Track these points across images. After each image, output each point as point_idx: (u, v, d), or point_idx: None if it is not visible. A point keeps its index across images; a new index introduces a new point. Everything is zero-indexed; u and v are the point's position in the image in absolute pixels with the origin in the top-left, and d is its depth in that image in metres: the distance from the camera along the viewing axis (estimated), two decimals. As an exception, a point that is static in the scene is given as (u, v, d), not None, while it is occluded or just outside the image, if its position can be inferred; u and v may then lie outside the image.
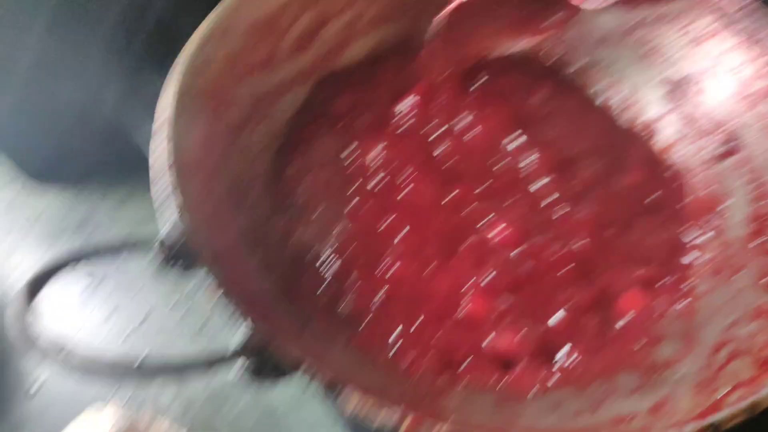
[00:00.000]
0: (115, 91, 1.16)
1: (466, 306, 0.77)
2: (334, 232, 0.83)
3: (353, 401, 0.53)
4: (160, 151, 0.69)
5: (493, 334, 0.75)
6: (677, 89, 0.92)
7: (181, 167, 0.69)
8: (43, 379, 1.04)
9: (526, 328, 0.75)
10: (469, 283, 0.78)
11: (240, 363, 0.53)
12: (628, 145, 0.95)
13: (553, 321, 0.77)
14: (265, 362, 0.53)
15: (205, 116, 0.78)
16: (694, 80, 0.91)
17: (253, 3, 0.86)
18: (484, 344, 0.74)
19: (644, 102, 0.96)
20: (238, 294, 0.61)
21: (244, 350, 0.52)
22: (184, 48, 0.78)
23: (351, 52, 0.99)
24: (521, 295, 0.78)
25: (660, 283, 0.81)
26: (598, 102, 0.99)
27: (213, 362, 0.50)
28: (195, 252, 0.61)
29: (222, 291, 0.58)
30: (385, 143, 0.92)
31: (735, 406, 0.58)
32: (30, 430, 0.99)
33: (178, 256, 0.61)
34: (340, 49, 0.98)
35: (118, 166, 1.27)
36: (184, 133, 0.73)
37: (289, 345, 0.54)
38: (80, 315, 1.09)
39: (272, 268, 0.77)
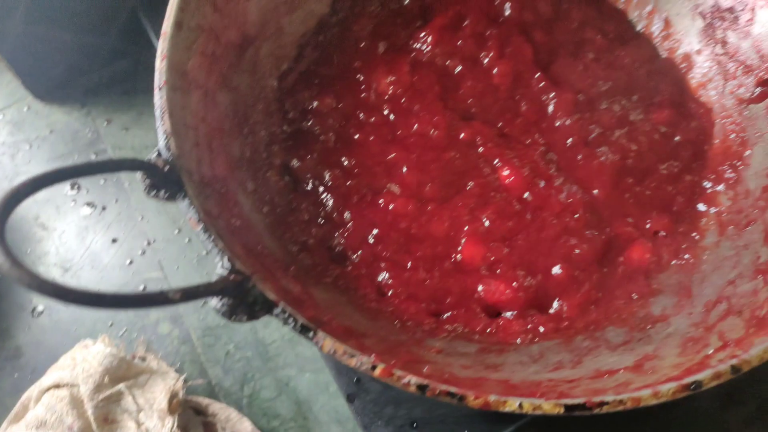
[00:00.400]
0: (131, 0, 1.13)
1: (460, 251, 0.76)
2: (335, 165, 0.82)
3: (327, 345, 0.54)
4: (157, 68, 0.68)
5: (486, 283, 0.74)
6: (722, 19, 0.84)
7: (177, 85, 0.68)
8: (43, 306, 1.11)
9: (519, 280, 0.74)
10: (466, 228, 0.77)
11: (214, 302, 0.54)
12: (661, 79, 0.89)
13: (549, 273, 0.75)
14: (239, 302, 0.53)
15: (211, 28, 0.75)
16: (741, 10, 0.82)
17: None
18: (475, 293, 0.74)
19: (684, 32, 0.89)
20: (221, 228, 0.61)
21: (218, 289, 0.53)
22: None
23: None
24: (519, 244, 0.76)
25: (671, 233, 0.79)
26: (638, 29, 0.92)
27: (187, 297, 0.51)
28: (179, 181, 0.61)
29: (202, 225, 0.58)
30: (402, 73, 0.87)
31: (719, 366, 0.57)
32: (30, 356, 1.06)
33: (162, 184, 0.60)
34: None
35: (125, 90, 1.28)
36: (185, 46, 0.71)
37: (266, 285, 0.55)
38: (83, 242, 1.14)
39: (266, 199, 0.77)
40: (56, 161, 1.21)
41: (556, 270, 0.75)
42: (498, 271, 0.75)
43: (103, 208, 1.18)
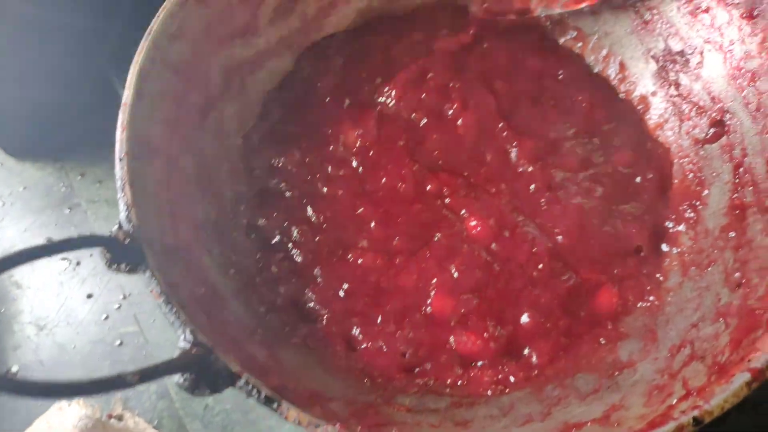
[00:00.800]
0: (101, 59, 1.13)
1: (430, 303, 0.76)
2: (302, 221, 0.82)
3: (291, 416, 0.54)
4: (118, 138, 0.69)
5: (457, 334, 0.74)
6: (673, 62, 0.87)
7: (139, 153, 0.69)
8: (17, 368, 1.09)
9: (490, 330, 0.74)
10: (435, 280, 0.77)
11: (176, 377, 0.54)
12: (620, 121, 0.91)
13: (518, 323, 0.76)
14: (202, 376, 0.53)
15: (173, 93, 0.76)
16: (691, 54, 0.85)
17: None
18: (446, 344, 0.74)
19: (639, 75, 0.91)
20: (184, 297, 0.61)
21: (180, 365, 0.53)
22: (159, 12, 0.76)
23: (337, 16, 0.95)
24: (489, 295, 0.76)
25: (636, 275, 0.80)
26: (596, 70, 0.94)
27: (146, 378, 0.51)
28: (140, 253, 0.61)
29: (164, 297, 0.59)
30: (369, 126, 0.89)
31: (681, 418, 0.57)
32: (4, 420, 1.03)
33: (123, 257, 0.61)
34: (326, 14, 0.94)
35: (98, 143, 1.28)
36: (147, 114, 0.72)
37: (230, 357, 0.55)
38: (57, 299, 1.12)
39: (232, 260, 0.77)
40: (30, 217, 1.21)
41: (525, 319, 0.75)
42: (469, 322, 0.75)
43: (78, 263, 1.17)
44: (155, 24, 0.74)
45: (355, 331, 0.75)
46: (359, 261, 0.78)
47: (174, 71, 0.76)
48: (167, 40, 0.75)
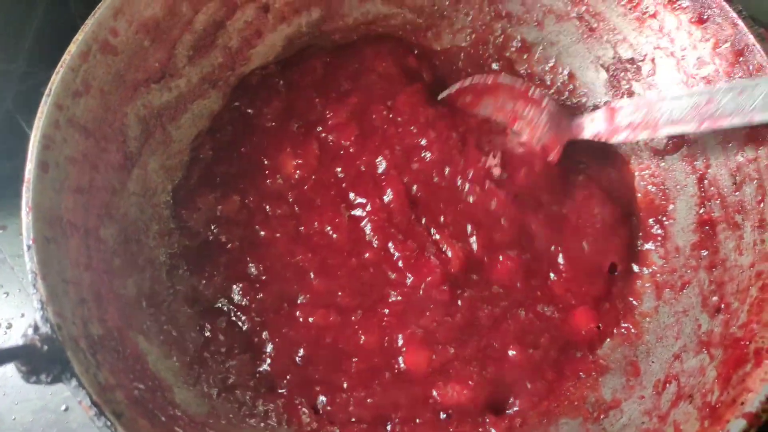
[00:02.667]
0: (5, 100, 1.03)
1: (403, 360, 0.70)
2: (242, 277, 0.75)
3: None
4: (24, 222, 0.60)
5: (439, 387, 0.69)
6: (625, 70, 0.83)
7: (51, 235, 0.60)
8: None
9: (475, 377, 0.69)
10: (402, 336, 0.71)
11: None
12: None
13: (505, 358, 0.71)
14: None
15: (86, 156, 0.67)
16: (642, 61, 0.81)
17: (141, -2, 0.73)
18: (429, 400, 0.69)
19: (590, 85, 0.86)
20: (120, 401, 0.54)
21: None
22: (57, 68, 0.66)
23: (265, 46, 0.87)
24: (466, 340, 0.71)
25: (609, 297, 0.76)
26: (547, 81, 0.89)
27: None
28: (62, 358, 0.53)
29: (95, 410, 0.51)
30: (307, 156, 0.82)
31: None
32: None
33: (42, 367, 0.52)
34: (252, 45, 0.86)
35: (15, 192, 1.16)
36: (56, 187, 0.63)
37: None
38: None
39: (174, 337, 0.69)
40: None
41: (512, 352, 0.71)
42: (451, 371, 0.70)
43: (9, 326, 1.07)
44: (54, 82, 0.64)
45: (322, 401, 0.68)
46: (310, 320, 0.72)
47: (83, 132, 0.67)
48: (71, 97, 0.66)
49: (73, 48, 0.67)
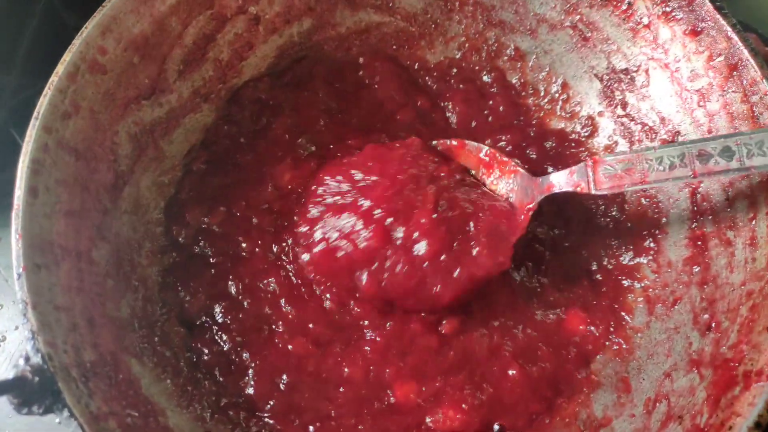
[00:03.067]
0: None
1: (393, 394, 0.69)
2: (223, 295, 0.75)
3: None
4: (14, 249, 0.60)
5: (433, 413, 0.69)
6: (618, 81, 0.82)
7: (42, 261, 0.60)
8: None
9: (468, 400, 0.68)
10: (388, 371, 0.70)
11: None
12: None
13: (503, 378, 0.70)
14: None
15: (76, 178, 0.67)
16: (636, 71, 0.80)
17: (131, 15, 0.72)
18: (423, 426, 0.68)
19: (584, 94, 0.86)
20: (112, 429, 0.54)
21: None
22: (45, 90, 0.66)
23: (256, 58, 0.86)
24: (458, 373, 0.70)
25: (599, 304, 0.76)
26: (540, 91, 0.89)
27: None
28: (54, 389, 0.53)
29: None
30: (304, 170, 0.82)
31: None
32: None
33: (34, 398, 0.53)
34: (243, 57, 0.85)
35: (8, 201, 1.16)
36: (46, 212, 0.63)
37: None
38: None
39: (166, 357, 0.69)
40: None
41: (512, 372, 0.70)
42: (443, 396, 0.69)
43: (3, 338, 1.07)
44: (42, 105, 0.64)
45: (311, 430, 0.68)
46: (289, 347, 0.71)
47: (73, 153, 0.67)
48: (60, 120, 0.66)
49: (60, 69, 0.67)
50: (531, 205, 0.75)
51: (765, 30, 1.05)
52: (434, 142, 0.83)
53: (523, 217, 0.75)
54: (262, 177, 0.82)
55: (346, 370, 0.70)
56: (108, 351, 0.62)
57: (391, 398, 0.69)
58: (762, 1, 1.03)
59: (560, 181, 0.74)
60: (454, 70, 0.89)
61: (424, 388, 0.69)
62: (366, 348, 0.71)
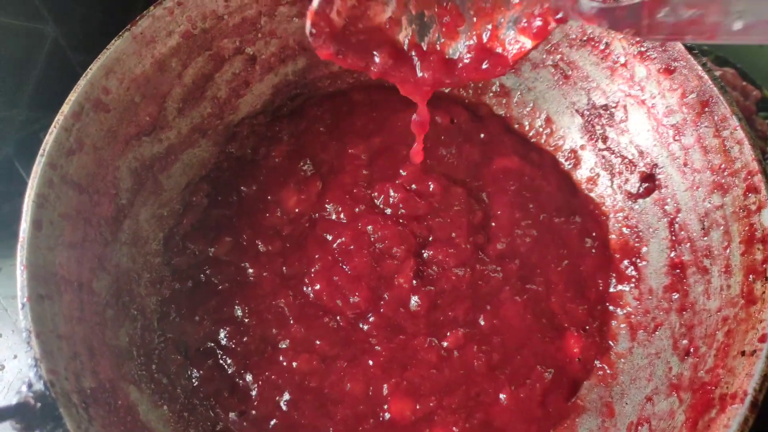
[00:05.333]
0: (4, 147, 1.07)
1: (388, 409, 0.72)
2: (229, 320, 0.77)
3: None
4: (19, 280, 0.63)
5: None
6: (599, 116, 0.86)
7: (46, 291, 0.63)
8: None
9: (460, 423, 0.71)
10: (386, 386, 0.73)
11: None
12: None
13: (495, 403, 0.73)
14: None
15: (79, 211, 0.70)
16: (614, 107, 0.84)
17: (133, 56, 0.76)
18: None
19: (566, 129, 0.90)
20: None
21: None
22: (51, 128, 0.69)
23: (252, 95, 0.90)
24: (457, 392, 0.73)
25: (590, 332, 0.79)
26: (525, 125, 0.93)
27: None
28: (56, 416, 0.55)
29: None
30: (310, 192, 0.85)
31: None
32: None
33: (36, 424, 0.55)
34: (240, 95, 0.89)
35: (10, 234, 1.17)
36: (50, 244, 0.66)
37: None
38: None
39: (164, 384, 0.71)
40: None
41: (503, 396, 0.73)
42: (435, 417, 0.72)
43: (2, 367, 1.09)
44: (48, 142, 0.67)
45: None
46: (293, 364, 0.74)
47: (77, 188, 0.70)
48: (65, 156, 0.69)
49: (66, 108, 0.70)
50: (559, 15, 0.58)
51: (743, 65, 1.10)
52: None
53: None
54: (266, 205, 0.85)
55: (348, 385, 0.73)
56: (107, 378, 0.64)
57: (387, 414, 0.72)
58: (738, 38, 1.08)
59: (607, 14, 0.54)
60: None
61: (418, 406, 0.72)
62: (369, 362, 0.74)
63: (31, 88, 1.04)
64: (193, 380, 0.74)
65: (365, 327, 0.76)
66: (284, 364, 0.74)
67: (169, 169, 0.84)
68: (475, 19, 0.65)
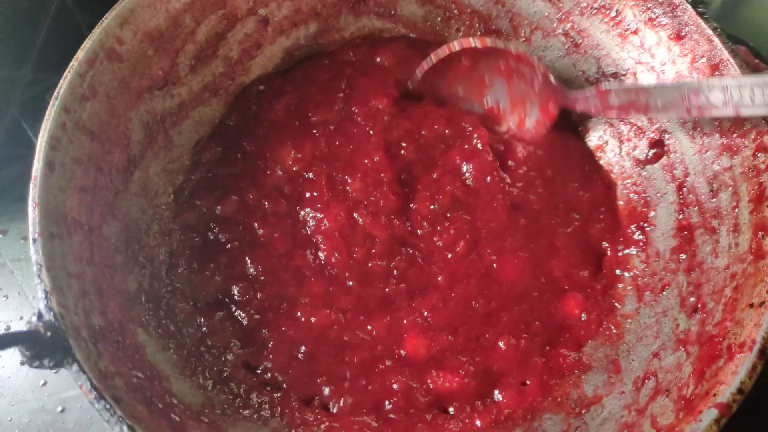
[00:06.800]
0: (11, 108, 1.07)
1: (404, 347, 0.74)
2: (242, 277, 0.78)
3: None
4: (30, 217, 0.63)
5: (433, 376, 0.72)
6: (608, 84, 0.86)
7: (56, 230, 0.63)
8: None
9: (465, 366, 0.73)
10: (405, 321, 0.75)
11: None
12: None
13: (496, 347, 0.74)
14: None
15: (91, 158, 0.70)
16: (624, 75, 0.85)
17: (147, 9, 0.76)
18: (425, 385, 0.72)
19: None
20: (119, 388, 0.56)
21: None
22: (66, 73, 0.69)
23: (264, 57, 0.91)
24: (463, 329, 0.75)
25: (592, 291, 0.79)
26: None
27: None
28: (65, 345, 0.55)
29: (95, 394, 0.53)
30: (305, 149, 0.85)
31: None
32: None
33: (45, 352, 0.55)
34: (251, 56, 0.89)
35: (18, 196, 1.16)
36: (62, 186, 0.66)
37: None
38: None
39: (171, 331, 0.71)
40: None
41: (501, 345, 0.74)
42: (444, 360, 0.73)
43: (8, 328, 1.08)
44: (62, 86, 0.68)
45: (325, 392, 0.71)
46: (312, 320, 0.74)
47: (89, 134, 0.70)
48: (78, 101, 0.69)
49: (80, 54, 0.70)
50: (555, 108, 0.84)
51: (756, 44, 1.11)
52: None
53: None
54: (266, 163, 0.85)
55: (370, 329, 0.75)
56: (116, 318, 0.64)
57: (402, 351, 0.74)
58: (753, 16, 1.09)
59: (579, 100, 0.82)
60: None
61: (432, 343, 0.74)
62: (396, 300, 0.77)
63: (38, 49, 1.04)
64: (203, 329, 0.74)
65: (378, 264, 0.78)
66: (302, 320, 0.75)
67: (180, 125, 0.84)
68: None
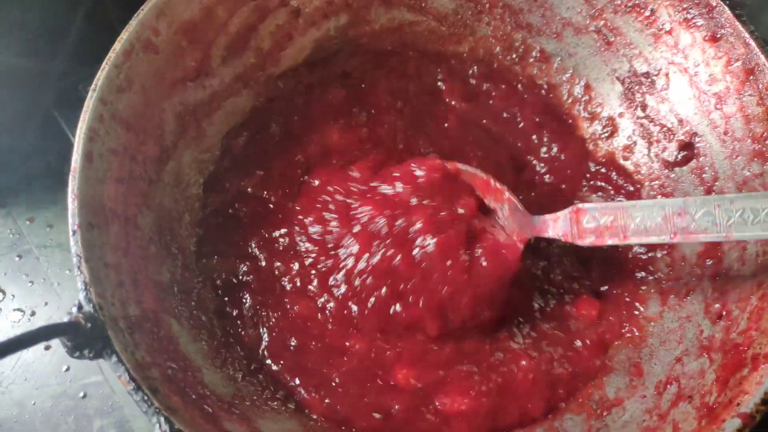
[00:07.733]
0: (45, 100, 1.08)
1: (393, 375, 0.72)
2: (246, 256, 0.80)
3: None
4: (70, 208, 0.64)
5: (440, 397, 0.71)
6: (639, 83, 0.86)
7: (95, 221, 0.64)
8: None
9: (477, 386, 0.71)
10: (389, 353, 0.74)
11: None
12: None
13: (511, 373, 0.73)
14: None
15: (127, 148, 0.72)
16: (656, 75, 0.84)
17: (182, 1, 0.77)
18: (430, 406, 0.71)
19: (605, 96, 0.90)
20: (155, 379, 0.58)
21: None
22: (103, 65, 0.70)
23: (294, 49, 0.91)
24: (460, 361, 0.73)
25: (612, 297, 0.80)
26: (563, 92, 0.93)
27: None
28: (104, 336, 0.57)
29: (133, 385, 0.55)
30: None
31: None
32: None
33: (86, 343, 0.57)
34: (282, 47, 0.90)
35: (46, 186, 1.19)
36: (99, 177, 0.67)
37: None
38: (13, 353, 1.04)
39: (202, 321, 0.73)
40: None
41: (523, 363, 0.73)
42: (447, 379, 0.72)
43: (33, 313, 1.12)
44: (100, 78, 0.69)
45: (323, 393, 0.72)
46: (295, 308, 0.76)
47: (125, 125, 0.71)
48: (115, 93, 0.70)
49: (117, 46, 0.71)
50: (521, 243, 0.77)
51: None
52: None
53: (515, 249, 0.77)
54: (304, 142, 0.88)
55: (350, 341, 0.74)
56: (150, 309, 0.66)
57: (391, 381, 0.72)
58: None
59: (549, 225, 0.77)
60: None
61: (422, 376, 0.72)
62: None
63: (71, 42, 1.05)
64: (226, 318, 0.76)
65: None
66: (288, 307, 0.77)
67: (212, 116, 0.85)
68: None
